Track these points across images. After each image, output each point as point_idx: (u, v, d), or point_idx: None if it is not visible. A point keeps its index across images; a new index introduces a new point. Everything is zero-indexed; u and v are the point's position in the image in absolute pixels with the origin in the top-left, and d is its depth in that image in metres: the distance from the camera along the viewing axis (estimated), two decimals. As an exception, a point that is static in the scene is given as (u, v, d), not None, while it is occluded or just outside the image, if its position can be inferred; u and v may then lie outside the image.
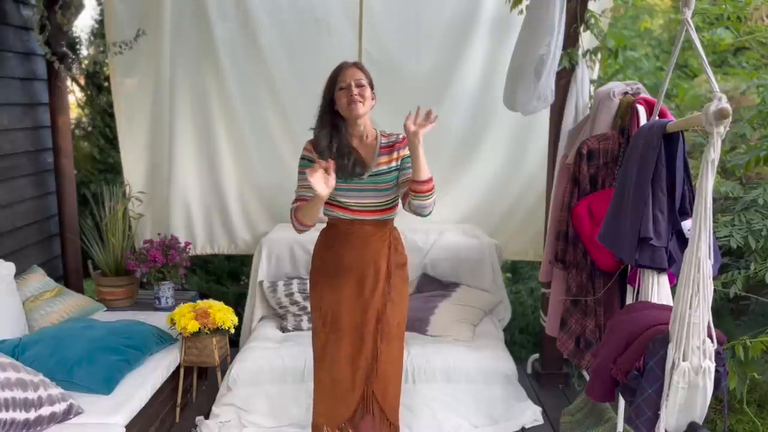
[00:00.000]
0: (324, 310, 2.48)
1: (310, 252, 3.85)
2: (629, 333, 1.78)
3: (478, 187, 4.30)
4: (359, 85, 2.32)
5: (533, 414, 3.26)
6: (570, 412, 3.17)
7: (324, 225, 2.54)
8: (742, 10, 3.25)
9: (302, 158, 2.42)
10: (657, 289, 2.07)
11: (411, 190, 2.29)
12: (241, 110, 4.17)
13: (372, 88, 2.38)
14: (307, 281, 3.76)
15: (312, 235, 2.57)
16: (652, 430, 1.65)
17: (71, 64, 3.84)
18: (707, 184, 1.56)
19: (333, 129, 2.37)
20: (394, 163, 2.41)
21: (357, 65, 2.39)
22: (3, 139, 3.57)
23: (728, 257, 2.70)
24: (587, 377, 3.33)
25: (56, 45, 3.72)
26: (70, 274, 4.10)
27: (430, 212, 2.36)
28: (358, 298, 2.43)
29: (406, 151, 2.41)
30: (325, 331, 2.47)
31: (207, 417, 3.19)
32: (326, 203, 2.40)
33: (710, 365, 1.60)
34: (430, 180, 2.27)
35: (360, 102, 2.32)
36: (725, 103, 1.53)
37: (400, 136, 2.43)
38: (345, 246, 2.43)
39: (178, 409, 3.30)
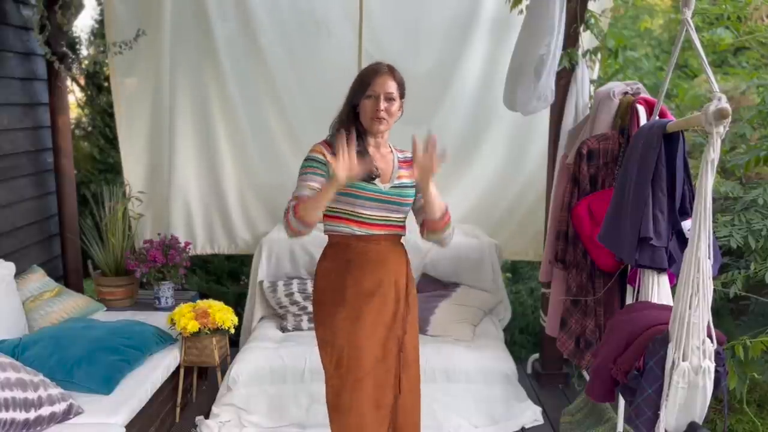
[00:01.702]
0: (338, 348, 2.15)
1: (310, 252, 3.86)
2: (629, 333, 1.78)
3: (478, 187, 4.30)
4: (389, 99, 2.13)
5: (533, 414, 3.26)
6: (570, 412, 3.17)
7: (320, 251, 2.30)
8: (742, 10, 3.25)
9: (311, 159, 2.15)
10: (657, 289, 2.07)
11: (427, 228, 2.18)
12: (241, 110, 4.17)
13: (402, 96, 2.20)
14: (308, 281, 3.77)
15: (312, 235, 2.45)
16: (652, 430, 1.65)
17: (71, 64, 3.84)
18: (707, 184, 1.56)
19: (354, 132, 2.15)
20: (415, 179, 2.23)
21: (392, 71, 2.17)
22: (3, 139, 3.57)
23: (728, 257, 2.70)
24: (587, 377, 3.32)
25: (56, 45, 3.71)
26: (70, 274, 4.10)
27: (450, 240, 2.24)
28: (380, 326, 2.16)
29: None
30: (340, 373, 2.14)
31: (207, 417, 3.19)
32: (338, 218, 2.15)
33: (710, 365, 1.60)
34: (445, 213, 2.15)
35: (385, 120, 2.14)
36: (725, 103, 1.53)
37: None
38: (363, 268, 2.14)
39: (178, 409, 3.30)
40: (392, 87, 2.15)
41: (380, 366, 2.16)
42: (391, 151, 2.28)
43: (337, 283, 2.18)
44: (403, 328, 2.21)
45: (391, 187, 2.18)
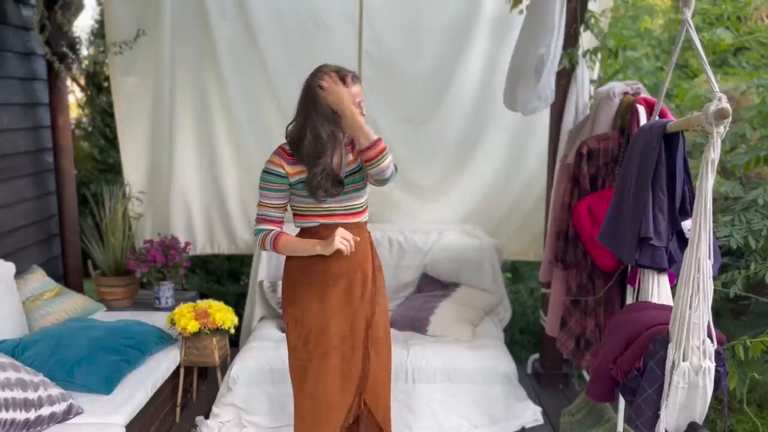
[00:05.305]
0: (307, 326, 2.32)
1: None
2: (629, 333, 1.78)
3: (478, 187, 4.31)
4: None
5: (533, 414, 3.26)
6: (570, 412, 3.16)
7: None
8: (742, 10, 3.25)
9: (272, 173, 2.23)
10: (657, 289, 2.07)
11: (363, 161, 2.20)
12: (241, 110, 4.17)
13: None
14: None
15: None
16: (652, 430, 1.65)
17: (71, 64, 3.84)
18: (707, 184, 1.56)
19: (333, 142, 2.23)
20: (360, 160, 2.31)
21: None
22: (3, 139, 3.57)
23: (728, 257, 2.70)
24: (587, 377, 3.32)
25: (56, 45, 3.71)
26: (70, 274, 4.10)
27: (392, 174, 2.22)
28: (346, 307, 2.32)
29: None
30: (308, 348, 2.32)
31: (207, 417, 3.19)
32: (306, 215, 2.29)
33: (710, 365, 1.60)
34: (378, 141, 2.16)
35: None
36: (725, 103, 1.53)
37: None
38: (331, 254, 2.25)
39: (178, 409, 3.30)
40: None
41: (346, 342, 2.32)
42: None
43: (306, 267, 2.32)
44: (371, 308, 2.36)
45: (346, 176, 2.29)
